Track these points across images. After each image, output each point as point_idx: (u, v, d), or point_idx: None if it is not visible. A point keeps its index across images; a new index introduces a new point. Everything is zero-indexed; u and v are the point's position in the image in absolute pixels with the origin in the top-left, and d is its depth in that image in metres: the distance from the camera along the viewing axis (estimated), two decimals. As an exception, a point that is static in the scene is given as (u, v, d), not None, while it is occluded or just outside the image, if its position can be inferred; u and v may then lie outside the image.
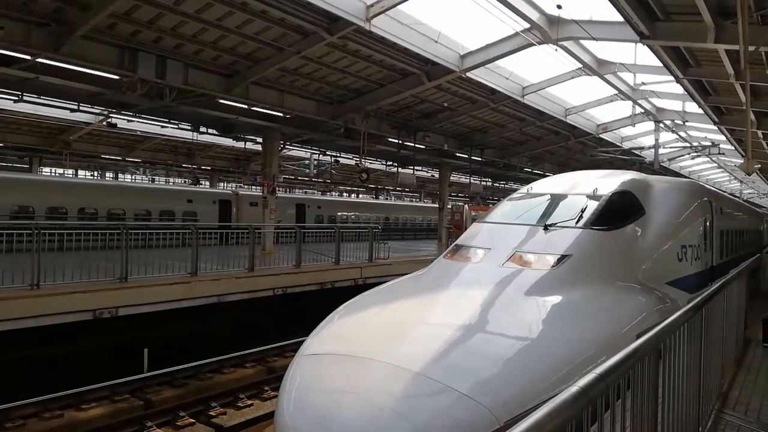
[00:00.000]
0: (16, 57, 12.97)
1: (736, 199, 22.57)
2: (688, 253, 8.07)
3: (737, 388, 6.02)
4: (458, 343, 4.67)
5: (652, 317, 5.78)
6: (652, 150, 26.47)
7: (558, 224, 6.96)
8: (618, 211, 7.28)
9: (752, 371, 6.82)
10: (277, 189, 21.20)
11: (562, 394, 1.69)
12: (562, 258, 6.28)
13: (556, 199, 7.83)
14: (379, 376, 4.23)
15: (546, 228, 6.91)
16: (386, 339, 4.83)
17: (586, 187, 7.82)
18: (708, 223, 9.23)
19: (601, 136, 26.91)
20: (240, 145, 25.75)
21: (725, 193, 20.45)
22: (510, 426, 1.43)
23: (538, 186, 8.78)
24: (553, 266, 6.18)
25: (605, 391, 2.03)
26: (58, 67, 13.73)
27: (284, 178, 35.43)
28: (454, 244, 7.49)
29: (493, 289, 5.80)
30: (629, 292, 6.43)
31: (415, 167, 28.33)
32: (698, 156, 31.34)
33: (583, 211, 7.09)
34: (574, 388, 1.75)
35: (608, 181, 8.00)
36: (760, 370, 6.90)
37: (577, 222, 6.97)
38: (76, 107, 17.87)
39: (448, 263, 6.99)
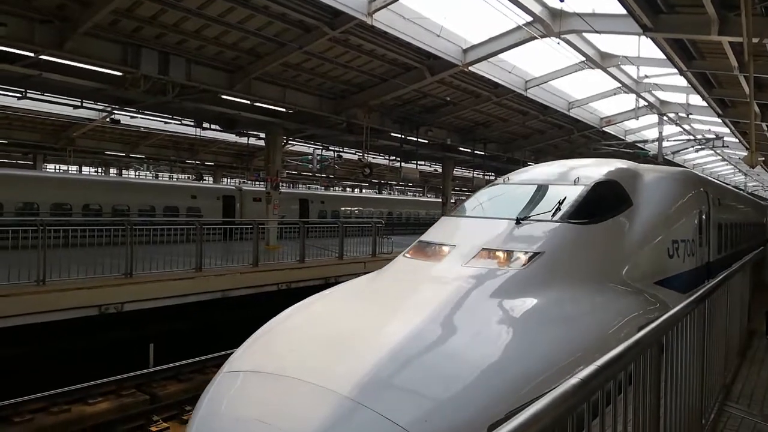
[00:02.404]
0: (20, 54, 13.00)
1: (736, 189, 21.56)
2: (681, 249, 7.34)
3: (740, 381, 6.03)
4: (402, 359, 3.98)
5: (632, 323, 5.12)
6: (656, 143, 26.39)
7: (531, 217, 6.23)
8: (601, 203, 6.56)
9: (756, 363, 6.83)
10: (280, 184, 21.23)
11: (562, 386, 1.71)
12: (534, 256, 5.60)
13: (533, 190, 7.11)
14: (301, 401, 3.63)
15: (518, 222, 6.17)
16: (321, 353, 4.18)
17: (567, 177, 7.11)
18: (704, 216, 8.53)
19: (604, 129, 26.83)
20: (243, 140, 25.77)
21: (724, 184, 19.24)
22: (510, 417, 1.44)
23: (516, 175, 8.07)
24: (522, 265, 5.49)
25: (606, 384, 2.05)
26: (62, 63, 13.77)
27: (287, 173, 35.46)
28: (418, 240, 6.78)
29: (451, 293, 5.07)
30: (608, 294, 5.69)
31: (418, 162, 28.32)
32: (702, 149, 31.22)
33: (561, 202, 6.34)
34: (574, 380, 1.77)
35: (593, 170, 7.33)
36: (764, 362, 6.91)
37: (553, 215, 6.23)
38: (79, 104, 17.93)
39: (406, 262, 6.28)
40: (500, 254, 5.75)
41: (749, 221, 15.80)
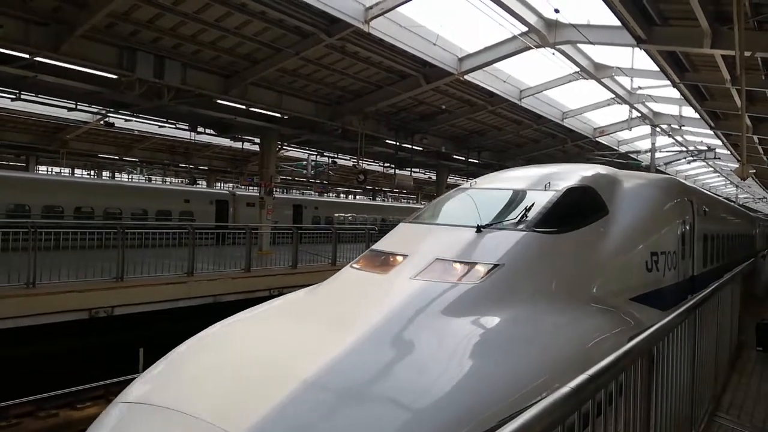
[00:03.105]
0: (15, 55, 12.96)
1: (724, 200, 20.66)
2: (661, 262, 6.75)
3: (730, 392, 6.06)
4: (322, 394, 3.43)
5: (600, 347, 4.53)
6: (649, 154, 26.57)
7: (494, 225, 5.65)
8: (572, 210, 5.99)
9: (745, 375, 6.86)
10: (274, 190, 21.20)
11: (552, 395, 1.71)
12: (492, 269, 5.01)
13: (500, 195, 6.62)
14: None
15: (479, 230, 5.56)
16: (226, 384, 3.67)
17: (538, 181, 6.52)
18: (688, 226, 7.96)
19: (597, 139, 27.00)
20: (237, 145, 25.76)
21: (711, 193, 18.20)
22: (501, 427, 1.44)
23: (484, 180, 7.56)
24: (477, 279, 4.91)
25: (596, 393, 2.05)
26: (57, 65, 13.73)
27: (281, 178, 35.44)
28: (370, 248, 6.23)
29: (390, 312, 4.46)
30: (573, 313, 5.01)
31: (413, 169, 28.37)
32: (694, 160, 31.45)
33: (527, 209, 5.80)
34: (564, 389, 1.77)
35: (567, 175, 6.75)
36: (753, 373, 6.95)
37: (517, 223, 5.67)
38: (73, 106, 17.88)
39: (351, 274, 5.72)
40: (455, 266, 5.17)
41: (738, 233, 15.18)
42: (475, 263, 5.12)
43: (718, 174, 42.78)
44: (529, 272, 5.19)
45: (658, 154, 26.88)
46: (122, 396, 3.86)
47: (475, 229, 5.59)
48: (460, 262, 5.19)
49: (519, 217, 5.73)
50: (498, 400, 3.64)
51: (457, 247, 5.45)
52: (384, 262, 5.62)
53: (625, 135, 28.91)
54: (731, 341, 7.08)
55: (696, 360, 4.36)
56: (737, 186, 47.57)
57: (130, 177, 40.20)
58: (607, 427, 2.33)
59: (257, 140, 22.35)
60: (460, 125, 23.89)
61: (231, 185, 40.82)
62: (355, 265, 5.85)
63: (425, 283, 4.89)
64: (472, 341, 4.36)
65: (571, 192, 6.18)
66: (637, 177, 7.85)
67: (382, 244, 6.16)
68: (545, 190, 6.23)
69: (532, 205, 5.87)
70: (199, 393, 3.58)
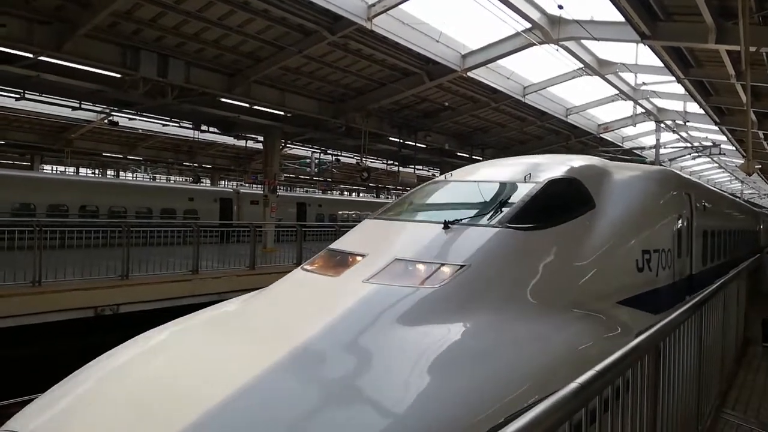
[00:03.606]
0: (18, 55, 13.00)
1: (726, 194, 19.55)
2: (654, 261, 6.18)
3: (736, 388, 6.04)
4: (220, 426, 2.94)
5: (578, 360, 3.93)
6: (653, 150, 26.49)
7: (463, 221, 5.12)
8: (554, 204, 5.45)
9: (752, 371, 6.85)
10: (278, 187, 21.23)
11: (561, 391, 1.71)
12: (456, 270, 4.49)
13: (474, 189, 6.09)
14: None
15: (446, 226, 5.01)
16: (120, 415, 3.18)
17: (518, 173, 5.96)
18: (685, 222, 7.40)
19: (602, 135, 26.93)
20: (241, 143, 25.79)
21: (712, 187, 17.01)
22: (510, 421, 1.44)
23: (461, 172, 7.08)
24: (439, 282, 4.39)
25: (604, 389, 2.05)
26: (60, 65, 13.76)
27: (285, 176, 35.47)
28: (328, 246, 5.72)
29: (331, 323, 3.93)
30: (549, 321, 4.45)
31: (416, 166, 28.35)
32: (699, 156, 31.35)
33: (502, 203, 5.28)
34: (572, 385, 1.77)
35: (551, 166, 6.23)
36: (760, 369, 6.93)
37: (490, 218, 5.11)
38: (77, 105, 17.92)
39: (300, 276, 5.23)
40: (415, 267, 4.66)
41: (740, 228, 14.56)
42: (438, 264, 4.60)
43: (723, 170, 42.62)
44: (499, 274, 4.65)
45: (662, 150, 26.81)
46: (9, 422, 3.45)
47: (442, 226, 5.04)
48: (422, 263, 4.67)
49: (492, 212, 5.19)
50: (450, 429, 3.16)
51: (419, 245, 4.95)
52: (339, 262, 5.10)
53: (629, 131, 28.83)
54: (737, 337, 7.07)
55: (702, 356, 4.35)
56: (742, 182, 47.41)
57: (134, 176, 40.32)
58: (613, 422, 2.33)
59: (261, 138, 22.37)
60: (463, 122, 23.85)
61: (235, 183, 40.90)
62: (307, 267, 5.35)
63: (378, 287, 4.35)
64: (421, 358, 3.70)
65: (553, 184, 5.63)
66: (630, 168, 7.30)
67: (341, 243, 5.67)
68: (525, 182, 5.69)
69: (509, 198, 5.39)
70: (85, 428, 3.12)
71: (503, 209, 5.19)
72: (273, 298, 4.93)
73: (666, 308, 5.85)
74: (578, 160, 6.74)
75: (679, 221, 7.19)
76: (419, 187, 7.00)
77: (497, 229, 4.94)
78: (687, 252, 7.41)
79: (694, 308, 3.93)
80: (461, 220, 5.13)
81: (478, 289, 4.44)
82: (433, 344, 3.86)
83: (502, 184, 5.90)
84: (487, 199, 5.58)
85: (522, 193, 5.46)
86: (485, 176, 6.47)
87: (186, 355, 3.89)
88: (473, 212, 5.36)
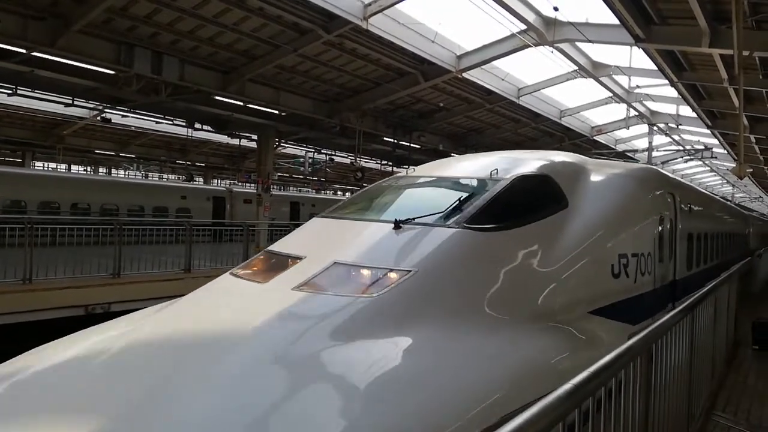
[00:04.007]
0: (11, 50, 12.89)
1: (714, 195, 18.55)
2: (632, 266, 5.66)
3: (727, 390, 6.08)
4: None
5: (535, 382, 3.51)
6: (646, 152, 26.63)
7: (417, 220, 4.60)
8: (522, 203, 5.01)
9: (742, 373, 6.89)
10: (271, 186, 21.17)
11: (555, 392, 1.71)
12: (401, 277, 3.99)
13: (436, 185, 5.68)
14: None
15: (397, 226, 4.52)
16: None
17: (484, 169, 5.44)
18: (668, 224, 6.93)
19: (595, 138, 27.04)
20: (235, 142, 25.71)
21: (698, 187, 16.07)
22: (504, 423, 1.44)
23: (425, 167, 6.68)
24: (378, 291, 3.87)
25: (597, 390, 2.06)
26: (54, 61, 13.67)
27: (279, 175, 35.37)
28: (266, 248, 5.30)
29: (240, 341, 3.44)
30: (505, 335, 3.98)
31: (411, 167, 28.31)
32: (691, 159, 31.52)
33: (462, 201, 4.79)
34: (566, 386, 1.78)
35: (521, 162, 5.74)
36: (750, 372, 6.98)
37: (446, 217, 4.62)
38: (70, 102, 17.81)
39: (225, 283, 4.73)
40: (355, 273, 4.21)
41: (729, 231, 14.07)
42: (381, 269, 4.13)
43: (714, 173, 42.90)
44: (450, 281, 4.15)
45: (655, 153, 26.92)
46: None
47: (393, 225, 4.56)
48: (363, 268, 4.20)
49: (450, 211, 4.68)
50: None
51: (364, 247, 4.53)
52: (273, 266, 4.61)
53: (622, 134, 28.95)
54: (728, 340, 7.12)
55: (693, 358, 4.37)
56: (734, 185, 47.71)
57: (126, 173, 40.10)
58: (606, 423, 2.34)
59: (255, 137, 22.32)
60: (458, 123, 23.88)
61: (228, 182, 40.78)
62: (237, 271, 4.89)
63: (306, 296, 3.89)
64: (340, 385, 3.17)
65: (521, 181, 5.17)
66: (610, 166, 6.81)
67: (282, 243, 5.26)
68: (490, 178, 5.20)
69: (470, 196, 4.89)
70: None
71: (462, 208, 4.71)
72: (187, 310, 4.29)
73: (645, 317, 5.49)
74: (553, 156, 6.36)
75: (662, 223, 6.71)
76: (378, 183, 6.55)
77: (453, 229, 4.47)
78: (670, 256, 6.96)
79: (685, 311, 3.95)
80: (414, 219, 4.62)
81: (423, 299, 3.93)
82: (356, 368, 3.25)
83: (466, 181, 5.51)
84: (447, 197, 5.04)
85: (485, 190, 4.99)
86: (449, 172, 6.02)
87: (50, 389, 3.28)
88: (429, 211, 4.78)
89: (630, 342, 2.60)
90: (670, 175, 9.70)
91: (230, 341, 3.46)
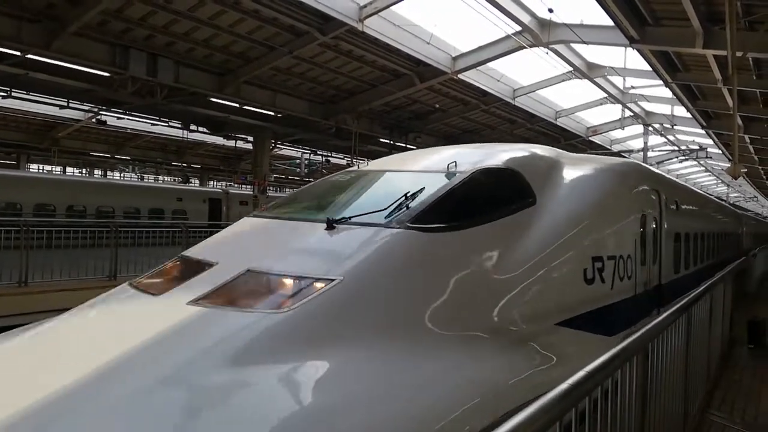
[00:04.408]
0: (6, 53, 12.86)
1: (704, 193, 17.45)
2: (608, 270, 5.09)
3: (722, 389, 6.11)
4: None
5: (479, 414, 3.03)
6: (641, 153, 26.74)
7: (353, 219, 4.02)
8: (479, 199, 4.43)
9: (737, 372, 6.93)
10: (267, 188, 21.17)
11: (553, 391, 1.73)
12: (324, 286, 3.37)
13: (386, 180, 5.03)
14: None
15: (330, 226, 3.95)
16: None
17: (444, 162, 4.81)
18: (652, 223, 6.40)
19: (590, 138, 27.14)
20: (231, 143, 25.69)
21: (687, 185, 14.93)
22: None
23: (380, 161, 6.10)
24: (292, 305, 3.23)
25: (593, 390, 2.08)
26: (49, 63, 13.64)
27: (275, 177, 35.35)
28: (181, 253, 4.62)
29: (106, 372, 2.77)
30: (448, 355, 3.37)
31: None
32: (686, 159, 31.67)
33: (410, 197, 4.14)
34: (562, 386, 1.79)
35: (487, 155, 5.20)
36: (745, 370, 7.01)
37: (390, 215, 3.99)
38: (65, 104, 17.76)
39: (120, 295, 4.02)
40: (269, 282, 3.62)
41: (721, 231, 13.44)
42: (300, 277, 3.50)
43: (709, 173, 43.11)
44: (383, 291, 3.53)
45: (650, 153, 27.05)
46: None
47: (325, 225, 3.97)
48: (281, 276, 3.60)
49: (393, 209, 4.05)
50: None
51: (287, 251, 3.98)
52: (179, 274, 4.02)
53: (617, 134, 29.08)
54: (723, 339, 7.15)
55: (689, 357, 4.40)
56: (728, 185, 47.93)
57: (122, 175, 40.01)
58: (603, 423, 2.36)
59: (250, 139, 22.31)
60: (453, 124, 23.93)
61: (224, 183, 40.73)
62: (140, 279, 4.22)
63: (201, 313, 3.24)
64: (230, 425, 2.54)
65: (482, 175, 4.61)
66: (588, 160, 6.27)
67: (199, 247, 4.64)
68: (447, 171, 4.64)
69: (420, 191, 4.23)
70: None
71: (409, 205, 4.08)
72: (62, 331, 3.60)
73: (625, 327, 4.94)
74: (523, 149, 5.83)
75: (644, 222, 6.13)
76: (325, 177, 6.06)
77: (394, 230, 3.85)
78: (654, 258, 6.40)
79: (681, 310, 3.97)
80: (350, 218, 4.03)
81: (345, 314, 3.30)
82: (234, 409, 2.63)
83: (420, 175, 4.86)
84: (396, 193, 4.27)
85: (439, 185, 4.38)
86: (405, 165, 5.43)
87: None
88: (371, 208, 4.15)
89: (625, 342, 2.61)
90: (655, 170, 8.95)
91: (72, 381, 2.66)
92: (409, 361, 3.19)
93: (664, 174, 9.17)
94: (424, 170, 5.05)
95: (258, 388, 2.79)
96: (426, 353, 3.29)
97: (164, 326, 3.13)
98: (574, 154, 6.51)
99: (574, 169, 5.41)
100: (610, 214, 5.49)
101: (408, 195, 4.16)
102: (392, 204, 4.09)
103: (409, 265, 3.74)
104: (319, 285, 3.39)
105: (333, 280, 3.41)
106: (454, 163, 4.69)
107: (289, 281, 3.56)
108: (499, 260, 4.12)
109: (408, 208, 4.05)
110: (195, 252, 4.42)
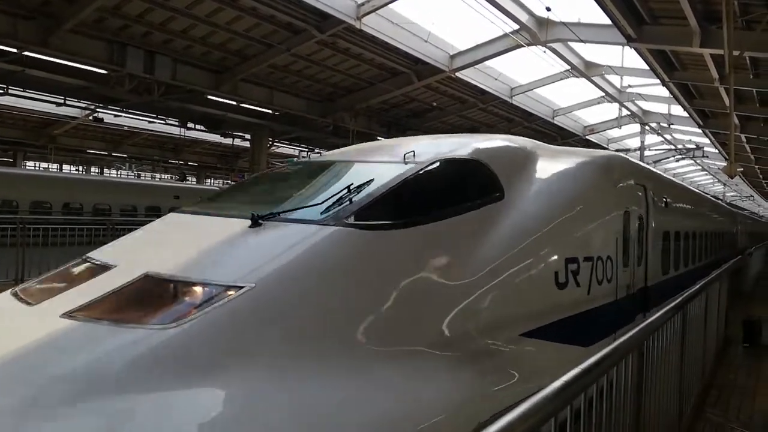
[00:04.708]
0: (2, 50, 12.81)
1: (696, 190, 16.49)
2: (584, 272, 4.59)
3: (717, 387, 6.13)
4: None
5: None
6: (638, 152, 26.78)
7: (282, 215, 3.52)
8: (437, 193, 3.97)
9: (732, 370, 6.95)
10: (265, 186, 21.15)
11: (548, 387, 1.73)
12: (233, 294, 2.85)
13: (333, 171, 4.46)
14: None
15: (256, 222, 3.42)
16: None
17: (401, 152, 4.25)
18: (637, 221, 5.94)
19: (587, 137, 27.17)
20: (228, 141, 25.65)
21: (677, 181, 14.22)
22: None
23: (336, 151, 5.63)
24: (189, 318, 2.71)
25: (587, 387, 2.08)
26: (45, 60, 13.59)
27: (272, 175, 35.28)
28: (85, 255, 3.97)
29: None
30: (382, 376, 2.92)
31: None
32: (683, 158, 31.75)
33: (354, 190, 3.65)
34: (558, 382, 1.79)
35: (452, 145, 4.74)
36: (740, 369, 7.04)
37: (326, 210, 3.51)
38: (62, 101, 17.70)
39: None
40: (168, 289, 3.03)
41: (714, 230, 12.93)
42: (207, 284, 2.98)
43: (706, 172, 43.21)
44: (302, 301, 3.00)
45: (647, 152, 27.10)
46: None
47: (250, 222, 3.43)
48: (181, 282, 3.03)
49: (332, 203, 3.56)
50: None
51: (198, 252, 3.37)
52: (71, 279, 3.45)
53: (614, 133, 29.13)
54: (718, 337, 7.17)
55: (684, 355, 4.41)
56: (725, 184, 48.07)
57: (119, 173, 39.91)
58: (598, 421, 2.36)
59: (248, 136, 22.27)
60: (451, 122, 23.93)
61: (221, 182, 40.66)
62: (28, 285, 3.68)
63: (75, 327, 2.71)
64: None
65: (442, 166, 4.16)
66: (568, 152, 5.76)
67: (107, 247, 4.15)
68: (403, 162, 4.09)
69: (367, 184, 3.74)
70: None
71: (352, 199, 3.58)
72: None
73: (604, 335, 4.58)
74: (495, 139, 5.42)
75: (628, 220, 5.68)
76: (271, 168, 5.45)
77: (329, 228, 3.35)
78: (640, 259, 6.00)
79: (676, 308, 3.98)
80: (279, 213, 3.52)
81: (254, 329, 2.78)
82: None
83: (372, 165, 4.33)
84: (340, 186, 3.77)
85: (390, 176, 3.86)
86: (360, 155, 4.87)
87: None
88: (307, 203, 3.73)
89: (620, 340, 2.62)
90: (642, 164, 8.40)
91: None
92: (320, 387, 2.67)
93: (652, 169, 8.73)
94: (378, 160, 4.48)
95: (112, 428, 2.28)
96: (346, 374, 2.79)
97: (17, 344, 2.55)
98: (554, 147, 6.00)
99: (551, 162, 4.98)
100: (587, 211, 4.99)
101: (351, 188, 3.64)
102: (331, 198, 3.60)
103: (339, 270, 3.22)
104: (224, 294, 2.85)
105: (242, 287, 2.86)
106: (412, 153, 4.15)
107: (189, 289, 3.00)
108: (455, 262, 3.64)
109: (351, 202, 3.55)
110: (100, 252, 3.86)
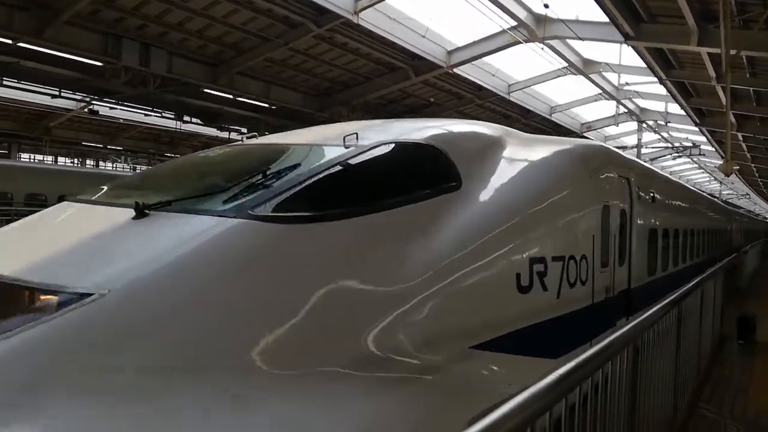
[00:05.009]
0: (-3, 40, 12.74)
1: (686, 185, 15.46)
2: (552, 274, 4.04)
3: (712, 383, 6.16)
4: None
5: None
6: (635, 150, 26.85)
7: (174, 204, 3.00)
8: (375, 180, 3.47)
9: (727, 367, 6.99)
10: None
11: (541, 381, 1.72)
12: (78, 303, 2.30)
13: (259, 156, 3.97)
14: None
15: (141, 213, 2.90)
16: None
17: (344, 135, 3.76)
18: (619, 217, 5.36)
19: (585, 134, 27.19)
20: (224, 135, 25.56)
21: (665, 174, 13.38)
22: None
23: (274, 135, 5.19)
24: (15, 334, 2.17)
25: (582, 381, 2.07)
26: (40, 51, 13.50)
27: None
28: None
29: None
30: (269, 410, 2.27)
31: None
32: (679, 156, 31.86)
33: (270, 176, 3.19)
34: (552, 376, 1.78)
35: (405, 128, 4.26)
36: (734, 365, 7.07)
37: (230, 200, 3.01)
38: (57, 93, 17.60)
39: None
40: (7, 295, 2.58)
41: (707, 228, 12.35)
42: (50, 291, 2.44)
43: (702, 171, 43.37)
44: (178, 315, 2.43)
45: (644, 150, 27.19)
46: None
47: (134, 213, 2.91)
48: (20, 288, 2.53)
49: (240, 191, 3.07)
50: None
51: (62, 249, 2.81)
52: None
53: (611, 131, 29.17)
54: (713, 334, 7.19)
55: (679, 352, 4.41)
56: (721, 182, 48.28)
57: (114, 166, 39.76)
58: (593, 416, 2.36)
59: (244, 130, 22.20)
60: (448, 118, 23.93)
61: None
62: None
63: None
64: None
65: (386, 150, 3.65)
66: (543, 141, 5.21)
67: None
68: (344, 145, 3.62)
69: (292, 169, 3.30)
70: None
71: (268, 186, 3.08)
72: None
73: (578, 343, 3.91)
74: (457, 123, 5.00)
75: (607, 215, 5.08)
76: (196, 152, 5.05)
77: (229, 220, 2.81)
78: (622, 259, 5.45)
79: (672, 304, 3.98)
80: (171, 203, 2.99)
81: (93, 349, 2.23)
82: None
83: (305, 149, 3.85)
84: (260, 171, 3.27)
85: (321, 161, 3.42)
86: (298, 138, 4.36)
87: None
88: (217, 190, 3.18)
89: (615, 335, 2.60)
90: (625, 155, 7.73)
91: None
92: (203, 420, 2.12)
93: (638, 160, 7.99)
94: (313, 143, 3.94)
95: None
96: (236, 404, 2.22)
97: None
98: (528, 135, 5.35)
99: (522, 150, 4.46)
100: (559, 205, 4.37)
101: (268, 173, 3.14)
102: (241, 184, 3.11)
103: (231, 273, 2.61)
104: (66, 303, 2.31)
105: (91, 294, 2.31)
106: (355, 135, 3.64)
107: (28, 297, 2.50)
108: (391, 262, 3.03)
109: (265, 190, 3.03)
110: None
